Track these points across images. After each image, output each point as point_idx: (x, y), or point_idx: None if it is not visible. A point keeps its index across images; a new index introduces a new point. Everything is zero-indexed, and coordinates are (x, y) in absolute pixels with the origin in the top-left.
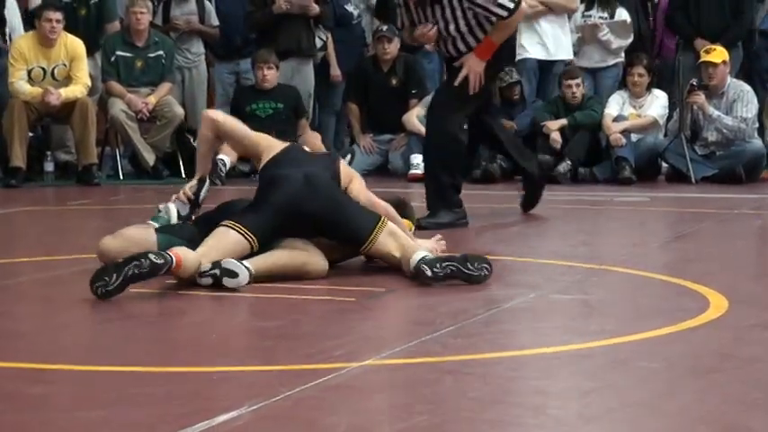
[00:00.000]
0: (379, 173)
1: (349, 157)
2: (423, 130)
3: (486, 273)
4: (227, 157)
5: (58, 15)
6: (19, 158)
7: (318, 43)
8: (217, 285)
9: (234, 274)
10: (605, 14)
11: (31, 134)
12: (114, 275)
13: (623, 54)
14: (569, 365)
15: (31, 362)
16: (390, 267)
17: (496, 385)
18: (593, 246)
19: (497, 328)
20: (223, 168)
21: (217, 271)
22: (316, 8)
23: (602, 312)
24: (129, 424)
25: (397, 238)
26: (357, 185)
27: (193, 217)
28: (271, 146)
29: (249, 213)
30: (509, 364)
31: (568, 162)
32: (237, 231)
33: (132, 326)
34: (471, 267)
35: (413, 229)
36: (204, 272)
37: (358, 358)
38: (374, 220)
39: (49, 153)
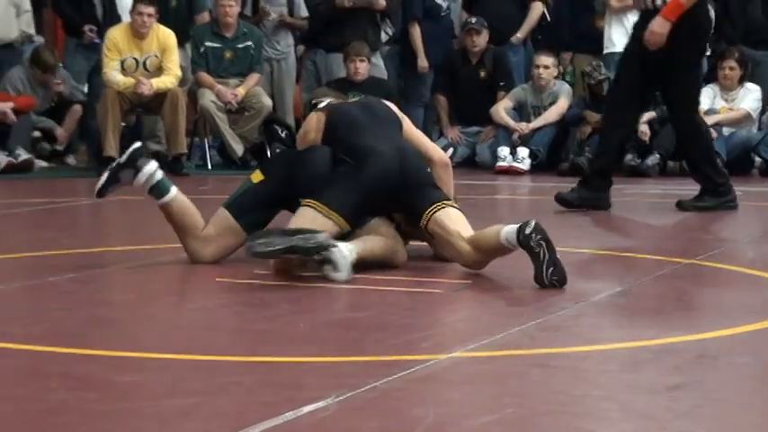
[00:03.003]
0: (466, 165)
1: (451, 150)
2: (510, 122)
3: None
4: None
5: (150, 10)
6: (112, 148)
7: (384, 37)
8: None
9: (337, 268)
10: None
11: (123, 124)
12: (280, 240)
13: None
14: (657, 360)
15: (122, 350)
16: (437, 255)
17: (584, 379)
18: (681, 240)
19: (585, 322)
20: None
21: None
22: (382, 2)
23: (690, 307)
24: (217, 413)
25: (458, 220)
26: (413, 131)
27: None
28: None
29: (337, 193)
30: (596, 358)
31: (657, 155)
32: (325, 215)
33: (221, 315)
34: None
35: None
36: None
37: (445, 350)
38: (442, 197)
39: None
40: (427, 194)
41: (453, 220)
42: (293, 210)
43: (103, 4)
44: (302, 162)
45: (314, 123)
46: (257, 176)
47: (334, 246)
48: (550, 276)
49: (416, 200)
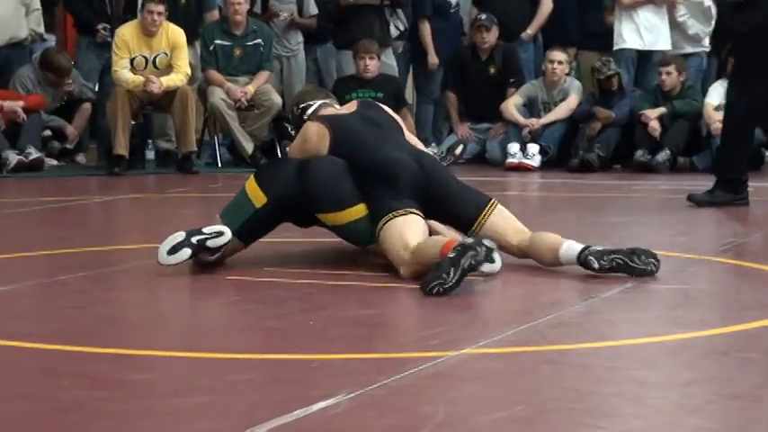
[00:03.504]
0: (476, 162)
1: (461, 147)
2: (520, 119)
3: (654, 268)
4: None
5: (160, 8)
6: (122, 146)
7: (394, 32)
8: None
9: (492, 261)
10: None
11: (132, 122)
12: (452, 270)
13: (707, 43)
14: (668, 356)
15: (133, 348)
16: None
17: (595, 375)
18: (692, 236)
19: (595, 318)
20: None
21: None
22: None
23: (701, 303)
24: (228, 411)
25: (510, 222)
26: (408, 133)
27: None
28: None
29: (402, 199)
30: (607, 354)
31: (667, 151)
32: (422, 217)
33: (231, 314)
34: (638, 261)
35: None
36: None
37: (455, 347)
38: (485, 201)
39: (150, 141)
40: (469, 200)
41: (503, 221)
42: (298, 223)
43: (111, 2)
44: (309, 174)
45: (313, 134)
46: (257, 194)
47: (492, 248)
48: (646, 259)
49: (455, 208)
